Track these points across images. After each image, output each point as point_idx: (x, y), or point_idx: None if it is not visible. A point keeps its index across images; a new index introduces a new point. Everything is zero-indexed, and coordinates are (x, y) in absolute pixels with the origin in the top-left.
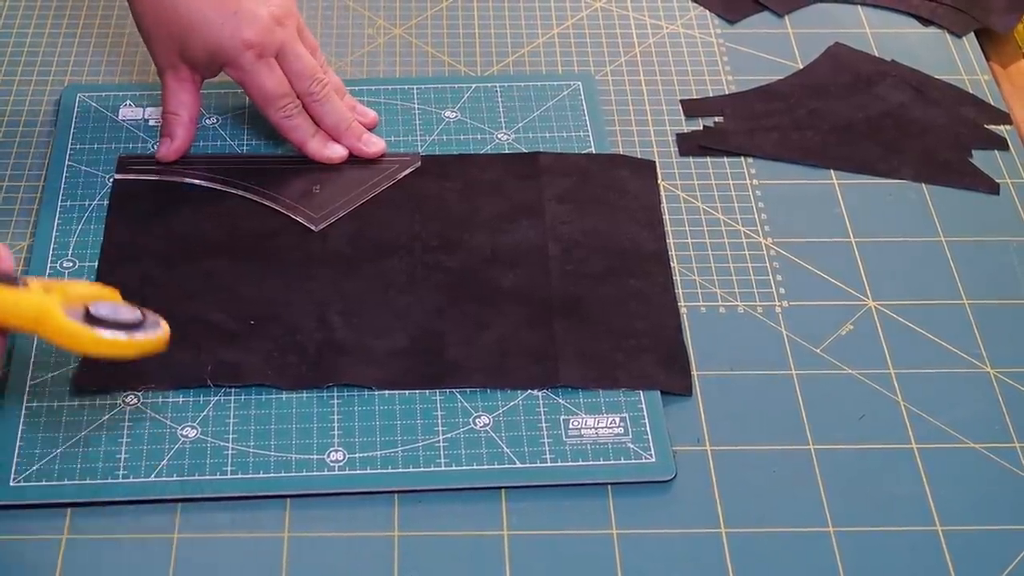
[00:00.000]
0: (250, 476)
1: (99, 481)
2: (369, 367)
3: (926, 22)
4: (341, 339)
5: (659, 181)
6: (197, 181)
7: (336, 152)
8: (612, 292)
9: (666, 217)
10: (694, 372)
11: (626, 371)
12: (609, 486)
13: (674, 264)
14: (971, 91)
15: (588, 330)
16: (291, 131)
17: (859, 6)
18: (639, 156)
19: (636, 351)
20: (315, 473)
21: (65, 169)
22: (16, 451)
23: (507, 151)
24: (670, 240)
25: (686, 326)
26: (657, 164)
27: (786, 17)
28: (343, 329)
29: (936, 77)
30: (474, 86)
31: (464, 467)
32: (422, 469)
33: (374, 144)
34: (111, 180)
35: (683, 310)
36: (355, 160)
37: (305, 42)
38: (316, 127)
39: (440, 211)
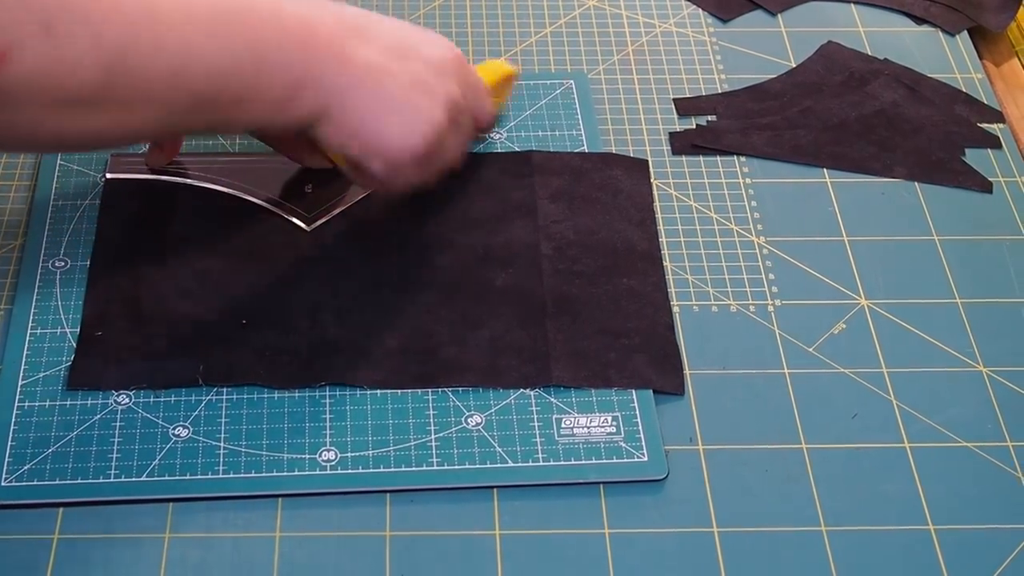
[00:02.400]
0: (242, 476)
1: (91, 481)
2: (361, 367)
3: (919, 20)
4: (333, 338)
5: (652, 180)
6: (189, 180)
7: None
8: (604, 291)
9: (659, 216)
10: (686, 371)
11: (618, 370)
12: (601, 485)
13: (667, 263)
14: (964, 89)
15: (580, 329)
16: (291, 159)
17: (852, 4)
18: (632, 155)
19: (628, 350)
20: (307, 472)
21: (57, 168)
22: (7, 451)
23: (500, 150)
24: (663, 239)
25: (678, 325)
26: (650, 163)
27: (779, 15)
28: (335, 329)
29: (929, 76)
30: None
31: (456, 466)
32: (414, 468)
33: None
34: (103, 179)
35: (675, 309)
36: None
37: None
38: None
39: (432, 210)
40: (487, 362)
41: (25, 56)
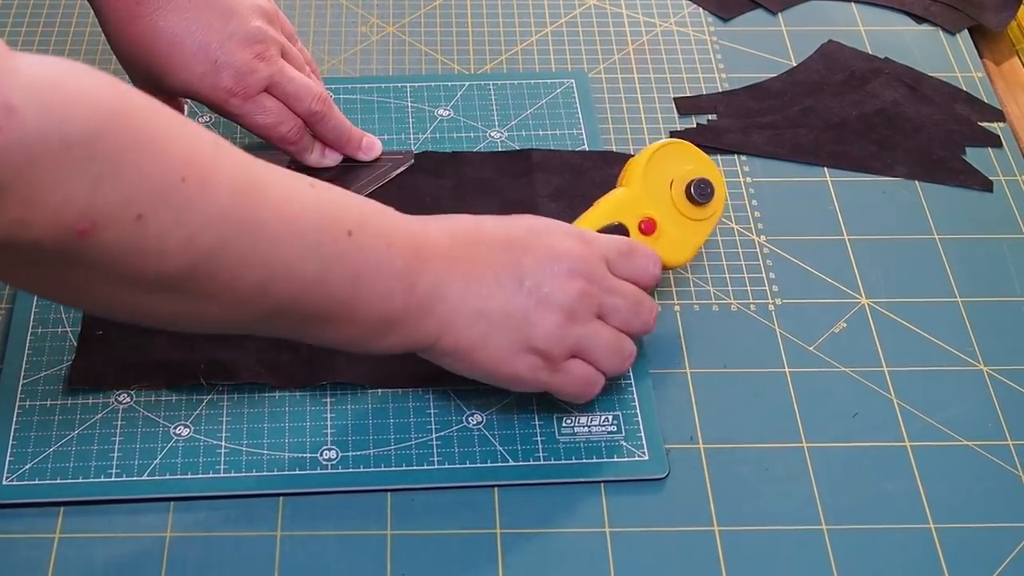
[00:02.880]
0: (243, 475)
1: (92, 480)
2: (362, 365)
3: (919, 19)
4: None
5: None
6: None
7: (334, 159)
8: None
9: None
10: (688, 370)
11: None
12: (602, 484)
13: None
14: (964, 88)
15: None
16: (293, 153)
17: (852, 3)
18: (633, 153)
19: None
20: (308, 471)
21: None
22: (9, 450)
23: (500, 149)
24: None
25: (679, 324)
26: None
27: (780, 15)
28: None
29: (930, 74)
30: (467, 84)
31: (457, 465)
32: (415, 467)
33: (373, 150)
34: None
35: (676, 308)
36: (348, 158)
37: (292, 48)
38: (315, 140)
39: (433, 209)
40: None
41: (109, 236)
